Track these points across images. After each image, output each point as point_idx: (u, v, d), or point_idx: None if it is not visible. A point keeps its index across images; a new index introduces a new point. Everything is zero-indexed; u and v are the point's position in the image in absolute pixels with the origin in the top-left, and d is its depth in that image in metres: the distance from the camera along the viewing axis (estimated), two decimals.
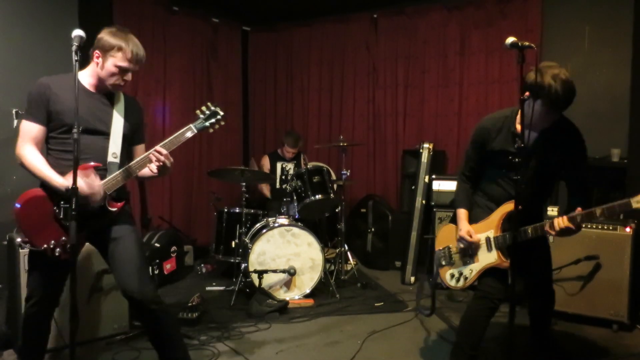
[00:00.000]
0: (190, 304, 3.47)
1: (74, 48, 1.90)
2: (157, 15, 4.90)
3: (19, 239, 2.72)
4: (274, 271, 3.77)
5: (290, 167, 5.00)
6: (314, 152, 5.69)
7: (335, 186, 4.42)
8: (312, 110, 5.86)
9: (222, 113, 2.41)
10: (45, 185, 2.16)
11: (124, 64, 2.21)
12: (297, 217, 4.19)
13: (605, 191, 3.76)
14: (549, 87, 2.10)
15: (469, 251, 2.52)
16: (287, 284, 3.89)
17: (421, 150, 4.55)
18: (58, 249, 2.13)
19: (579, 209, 2.18)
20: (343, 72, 5.64)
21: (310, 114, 5.88)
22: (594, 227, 3.25)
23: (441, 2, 4.96)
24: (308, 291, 3.92)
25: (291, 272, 3.82)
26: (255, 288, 3.72)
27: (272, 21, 5.94)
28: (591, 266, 3.24)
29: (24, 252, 2.66)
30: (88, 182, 2.11)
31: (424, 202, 4.50)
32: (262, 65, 6.16)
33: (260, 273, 3.70)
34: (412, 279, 4.44)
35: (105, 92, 2.31)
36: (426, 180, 4.49)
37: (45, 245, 2.11)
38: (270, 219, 4.07)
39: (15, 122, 3.36)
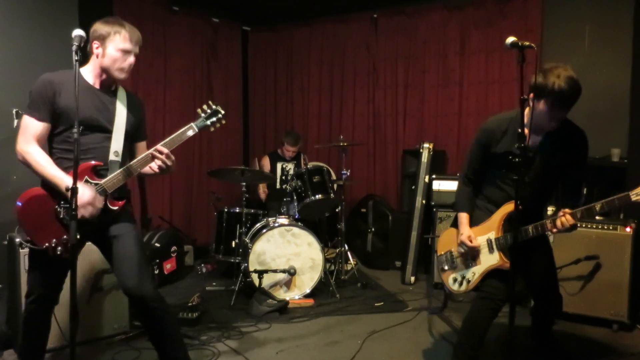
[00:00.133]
0: (190, 304, 3.47)
1: (74, 48, 1.90)
2: (157, 15, 4.90)
3: (19, 239, 2.72)
4: (274, 271, 3.77)
5: (290, 167, 5.00)
6: (314, 152, 5.69)
7: (335, 186, 4.42)
8: (312, 110, 5.86)
9: (223, 112, 2.41)
10: (46, 184, 2.15)
11: (125, 44, 2.21)
12: (297, 217, 4.19)
13: (605, 191, 3.75)
14: (553, 84, 2.10)
15: (470, 255, 2.52)
16: (287, 284, 3.89)
17: (421, 150, 4.55)
18: (59, 248, 2.12)
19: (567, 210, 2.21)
20: (343, 72, 5.64)
21: (310, 114, 5.88)
22: (594, 227, 3.25)
23: (441, 2, 4.96)
24: (308, 291, 3.92)
25: (291, 272, 3.82)
26: (255, 288, 3.72)
27: (272, 21, 5.94)
28: (591, 266, 3.24)
29: (24, 252, 2.66)
30: (90, 196, 2.12)
31: (424, 202, 4.50)
32: (262, 65, 6.16)
33: (261, 273, 3.70)
34: (412, 278, 4.44)
35: (108, 89, 2.31)
36: (426, 180, 4.50)
37: (46, 244, 2.11)
38: (270, 219, 4.07)
39: (16, 122, 3.35)
